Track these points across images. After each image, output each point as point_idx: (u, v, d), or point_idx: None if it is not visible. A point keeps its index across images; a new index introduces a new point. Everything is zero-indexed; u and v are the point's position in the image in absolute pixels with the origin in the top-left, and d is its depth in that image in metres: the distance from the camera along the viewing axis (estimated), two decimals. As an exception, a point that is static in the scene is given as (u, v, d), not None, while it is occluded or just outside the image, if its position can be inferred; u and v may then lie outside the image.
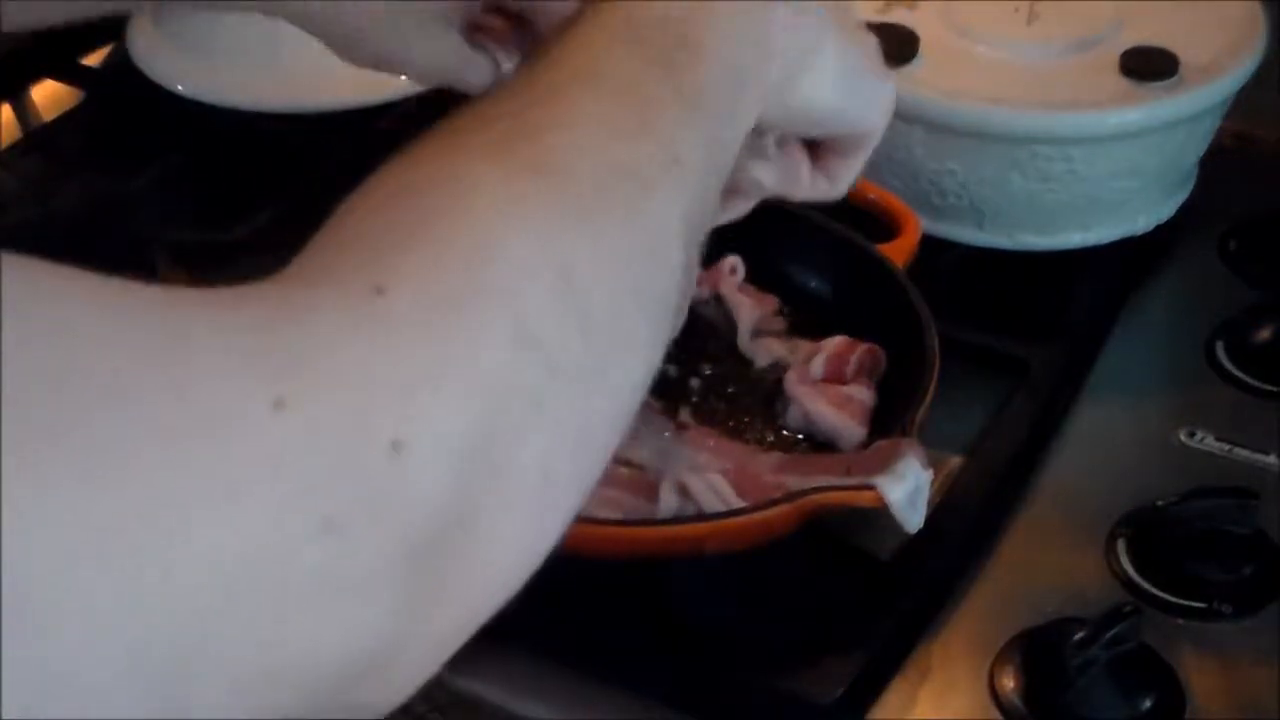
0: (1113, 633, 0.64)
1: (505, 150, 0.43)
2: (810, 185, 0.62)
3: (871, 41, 0.60)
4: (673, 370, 0.80)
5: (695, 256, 0.47)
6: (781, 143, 0.61)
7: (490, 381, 0.38)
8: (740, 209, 0.64)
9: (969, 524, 0.74)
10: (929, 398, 0.71)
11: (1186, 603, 0.70)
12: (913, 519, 0.65)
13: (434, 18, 0.67)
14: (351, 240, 0.39)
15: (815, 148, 0.62)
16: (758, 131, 0.57)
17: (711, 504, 0.70)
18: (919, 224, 0.83)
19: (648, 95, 0.47)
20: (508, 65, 0.69)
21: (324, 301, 0.37)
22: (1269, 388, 0.82)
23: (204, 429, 0.33)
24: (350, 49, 0.69)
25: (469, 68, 0.68)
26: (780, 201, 0.64)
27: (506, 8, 0.68)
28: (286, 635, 0.34)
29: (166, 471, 0.32)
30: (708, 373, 0.81)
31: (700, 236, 0.48)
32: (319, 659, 0.35)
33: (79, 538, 0.30)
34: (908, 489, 0.65)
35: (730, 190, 0.61)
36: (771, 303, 0.83)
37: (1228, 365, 0.83)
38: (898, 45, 0.86)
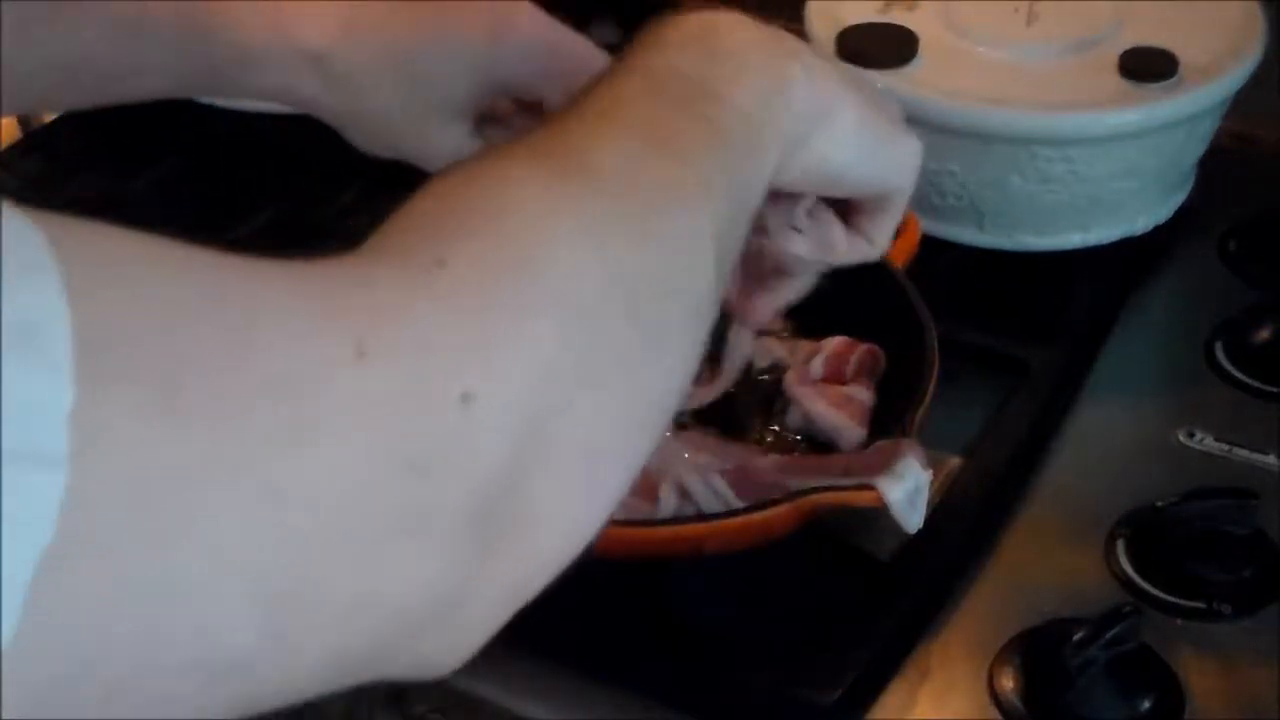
0: (1112, 633, 0.64)
1: (551, 159, 0.46)
2: (848, 248, 0.64)
3: (893, 105, 0.61)
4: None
5: (724, 281, 0.50)
6: (812, 213, 0.63)
7: (541, 346, 0.41)
8: (795, 289, 0.67)
9: (969, 524, 0.74)
10: (929, 398, 0.71)
11: (1186, 603, 0.70)
12: (912, 519, 0.65)
13: (449, 112, 0.70)
14: (410, 226, 0.43)
15: (849, 211, 0.63)
16: (788, 202, 0.60)
17: (711, 504, 0.70)
18: (919, 224, 0.83)
19: (676, 129, 0.50)
20: None
21: (389, 271, 0.40)
22: (1269, 388, 0.82)
23: (305, 378, 0.36)
24: (368, 141, 0.72)
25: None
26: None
27: (519, 96, 0.71)
28: (376, 569, 0.37)
29: (276, 416, 0.35)
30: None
31: (727, 267, 0.50)
32: (398, 597, 0.38)
33: (207, 471, 0.34)
34: (907, 489, 0.65)
35: (776, 272, 0.65)
36: (771, 303, 0.83)
37: (1227, 365, 0.83)
38: (898, 45, 0.86)
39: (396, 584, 0.38)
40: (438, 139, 0.71)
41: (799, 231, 0.63)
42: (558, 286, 0.42)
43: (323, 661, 0.39)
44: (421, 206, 0.44)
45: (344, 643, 0.38)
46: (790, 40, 0.55)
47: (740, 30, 0.53)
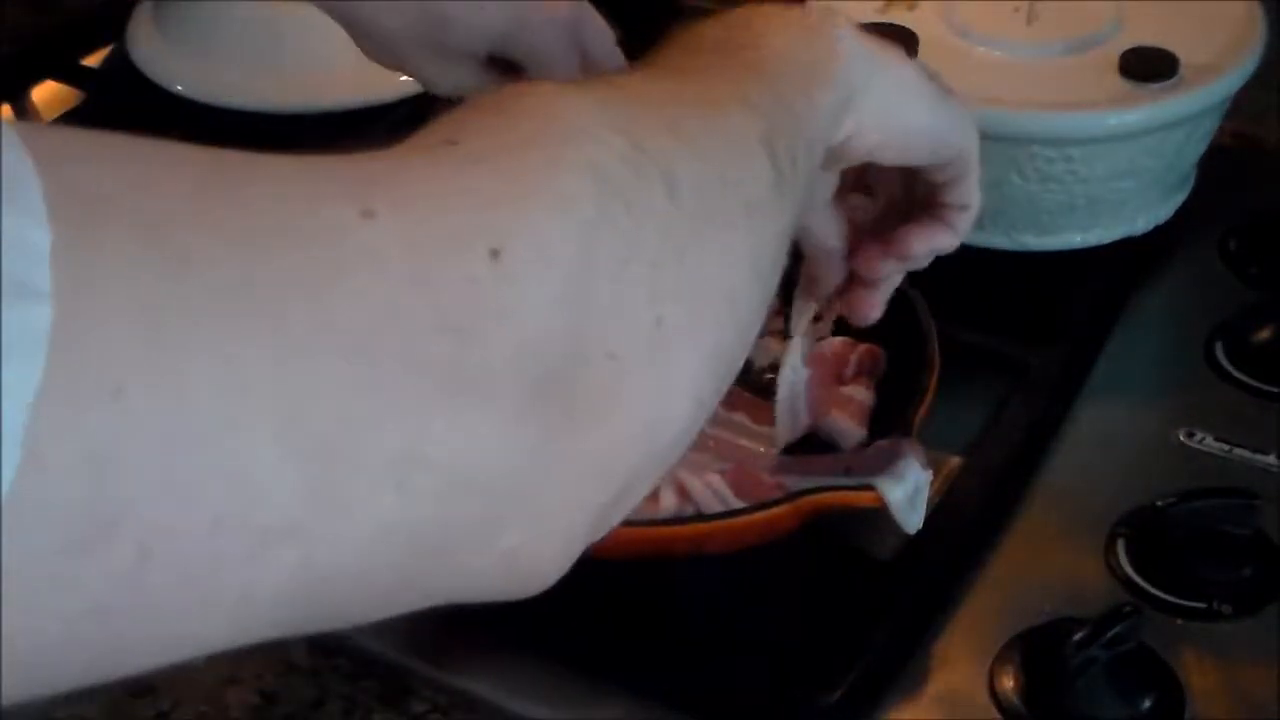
0: (1112, 633, 0.64)
1: (579, 84, 0.46)
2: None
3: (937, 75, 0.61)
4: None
5: (790, 183, 0.48)
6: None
7: (573, 204, 0.40)
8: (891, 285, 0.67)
9: (969, 524, 0.74)
10: (929, 398, 0.71)
11: (1186, 603, 0.70)
12: (912, 519, 0.65)
13: (459, 53, 0.71)
14: (427, 128, 0.42)
15: (927, 203, 0.63)
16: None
17: (711, 504, 0.70)
18: (919, 224, 0.83)
19: (710, 65, 0.50)
20: None
21: (399, 150, 0.39)
22: (1268, 388, 0.82)
23: (312, 230, 0.35)
24: (375, 53, 0.73)
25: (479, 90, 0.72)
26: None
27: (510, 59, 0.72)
28: (422, 428, 0.35)
29: (286, 260, 0.34)
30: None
31: (792, 186, 0.48)
32: (456, 463, 0.36)
33: (216, 306, 0.32)
34: (907, 489, 0.65)
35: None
36: (771, 303, 0.83)
37: (1227, 366, 0.83)
38: (897, 45, 0.86)
39: (450, 448, 0.36)
40: (444, 71, 0.72)
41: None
42: (582, 154, 0.41)
43: (385, 536, 0.36)
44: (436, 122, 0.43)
45: (405, 514, 0.36)
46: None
47: (775, 13, 0.54)
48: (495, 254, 0.37)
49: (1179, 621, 0.69)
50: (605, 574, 0.67)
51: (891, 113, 0.56)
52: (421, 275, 0.36)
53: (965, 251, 0.89)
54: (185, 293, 0.32)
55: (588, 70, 0.73)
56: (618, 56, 0.74)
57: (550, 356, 0.38)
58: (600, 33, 0.73)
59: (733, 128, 0.47)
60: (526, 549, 0.40)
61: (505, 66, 0.73)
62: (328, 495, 0.34)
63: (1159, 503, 0.74)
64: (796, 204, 0.49)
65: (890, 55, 0.57)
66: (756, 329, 0.48)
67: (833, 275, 0.66)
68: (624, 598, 0.70)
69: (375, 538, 0.36)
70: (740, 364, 0.47)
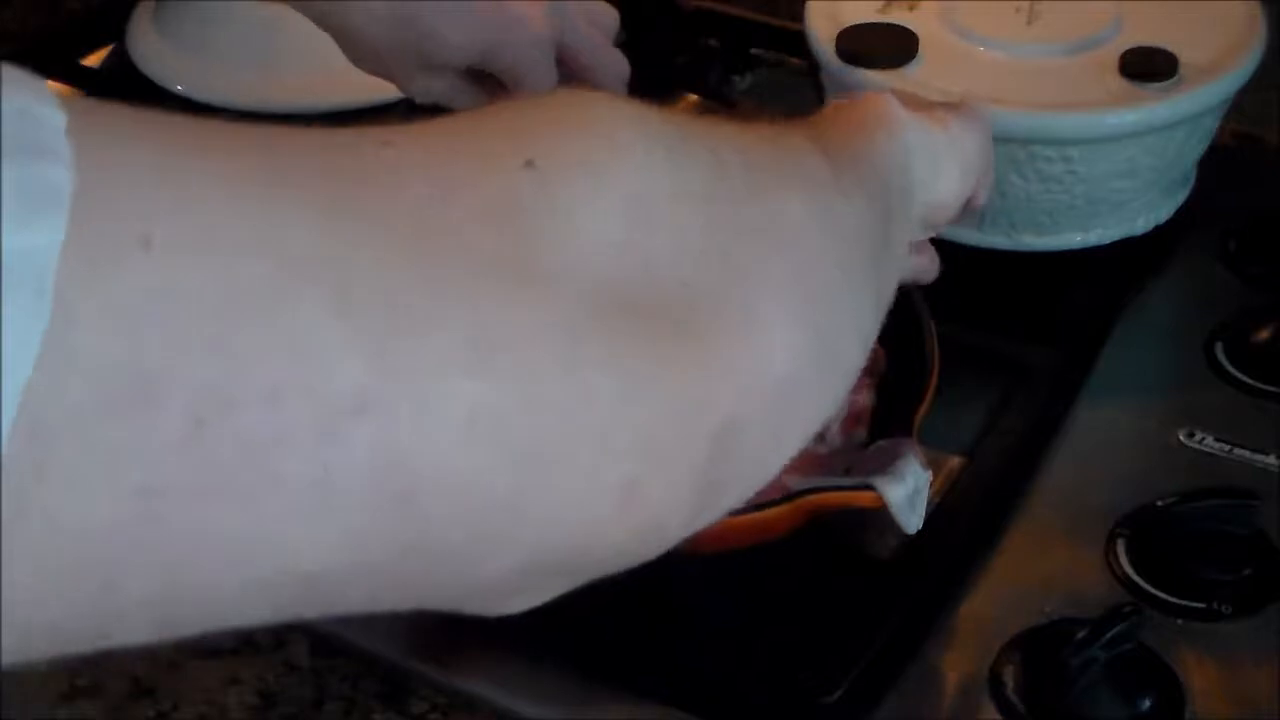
0: (1112, 633, 0.64)
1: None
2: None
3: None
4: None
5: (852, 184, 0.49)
6: None
7: (614, 137, 0.40)
8: None
9: (969, 524, 0.74)
10: (929, 398, 0.71)
11: (1186, 603, 0.70)
12: (912, 519, 0.65)
13: (437, 65, 0.72)
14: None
15: None
16: None
17: (711, 504, 0.69)
18: (919, 224, 0.83)
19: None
20: None
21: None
22: (1269, 388, 0.82)
23: (328, 145, 0.35)
24: (353, 57, 0.74)
25: (457, 98, 0.74)
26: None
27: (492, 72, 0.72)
28: (485, 311, 0.34)
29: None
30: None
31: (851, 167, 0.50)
32: (525, 354, 0.35)
33: (270, 179, 0.32)
34: (907, 489, 0.65)
35: None
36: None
37: (1227, 366, 0.83)
38: (898, 45, 0.86)
39: (516, 340, 0.35)
40: (424, 81, 0.72)
41: None
42: (627, 118, 0.41)
43: (470, 425, 0.33)
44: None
45: (485, 400, 0.34)
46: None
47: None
48: (530, 163, 0.37)
49: (1179, 621, 0.69)
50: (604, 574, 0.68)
51: (935, 203, 0.58)
52: (452, 177, 0.36)
53: (965, 251, 0.89)
54: (209, 165, 0.31)
55: (578, 74, 0.74)
56: (613, 56, 0.75)
57: (611, 267, 0.37)
58: (589, 33, 0.74)
59: (783, 137, 0.48)
60: (641, 485, 0.38)
61: (483, 78, 0.73)
62: (396, 372, 0.32)
63: (1159, 503, 0.74)
64: (869, 212, 0.50)
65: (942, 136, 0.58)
66: (854, 311, 0.47)
67: None
68: (624, 598, 0.70)
69: (459, 426, 0.33)
70: (847, 342, 0.47)
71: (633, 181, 0.39)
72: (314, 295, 0.31)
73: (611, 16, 0.77)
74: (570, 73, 0.74)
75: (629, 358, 0.37)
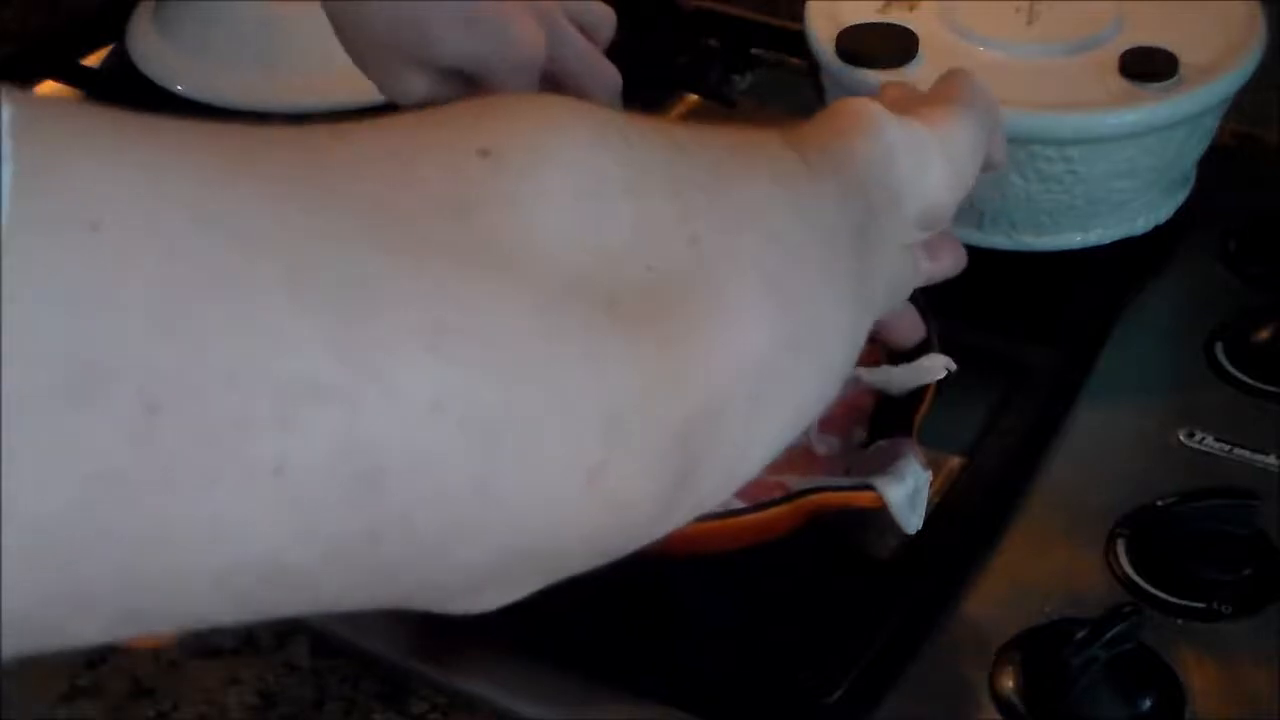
0: (1113, 633, 0.64)
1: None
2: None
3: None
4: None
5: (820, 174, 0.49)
6: None
7: (566, 126, 0.40)
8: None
9: (969, 524, 0.74)
10: (929, 398, 0.71)
11: (1186, 603, 0.70)
12: (912, 519, 0.65)
13: (419, 62, 0.72)
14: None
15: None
16: None
17: (711, 504, 0.69)
18: (919, 224, 0.83)
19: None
20: None
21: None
22: (1269, 388, 0.82)
23: (280, 138, 0.35)
24: (353, 51, 0.74)
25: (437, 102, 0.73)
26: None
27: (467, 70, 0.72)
28: (444, 296, 0.34)
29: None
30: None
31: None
32: (491, 338, 0.35)
33: (218, 160, 0.32)
34: (907, 489, 0.65)
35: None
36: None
37: (1228, 366, 0.83)
38: (898, 45, 0.86)
39: (480, 324, 0.35)
40: (406, 78, 0.72)
41: None
42: (582, 117, 0.41)
43: (435, 412, 0.33)
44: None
45: (448, 386, 0.33)
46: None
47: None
48: (484, 152, 0.37)
49: (1179, 621, 0.69)
50: (605, 574, 0.67)
51: (932, 204, 0.57)
52: (409, 165, 0.36)
53: (965, 252, 0.89)
54: (162, 156, 0.30)
55: (570, 78, 0.74)
56: (604, 66, 0.75)
57: (571, 252, 0.37)
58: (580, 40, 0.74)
59: (755, 135, 0.48)
60: (608, 468, 0.37)
61: (460, 76, 0.73)
62: (356, 354, 0.31)
63: (1159, 503, 0.74)
64: (846, 207, 0.49)
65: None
66: (832, 303, 0.47)
67: None
68: (623, 598, 0.70)
69: (423, 409, 0.33)
70: (826, 334, 0.46)
71: (589, 168, 0.39)
72: (269, 276, 0.30)
73: (608, 16, 0.77)
74: (560, 81, 0.74)
75: (594, 339, 0.37)
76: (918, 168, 0.56)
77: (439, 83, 0.73)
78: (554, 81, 0.74)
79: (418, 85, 0.73)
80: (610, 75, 0.76)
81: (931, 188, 0.56)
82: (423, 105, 0.74)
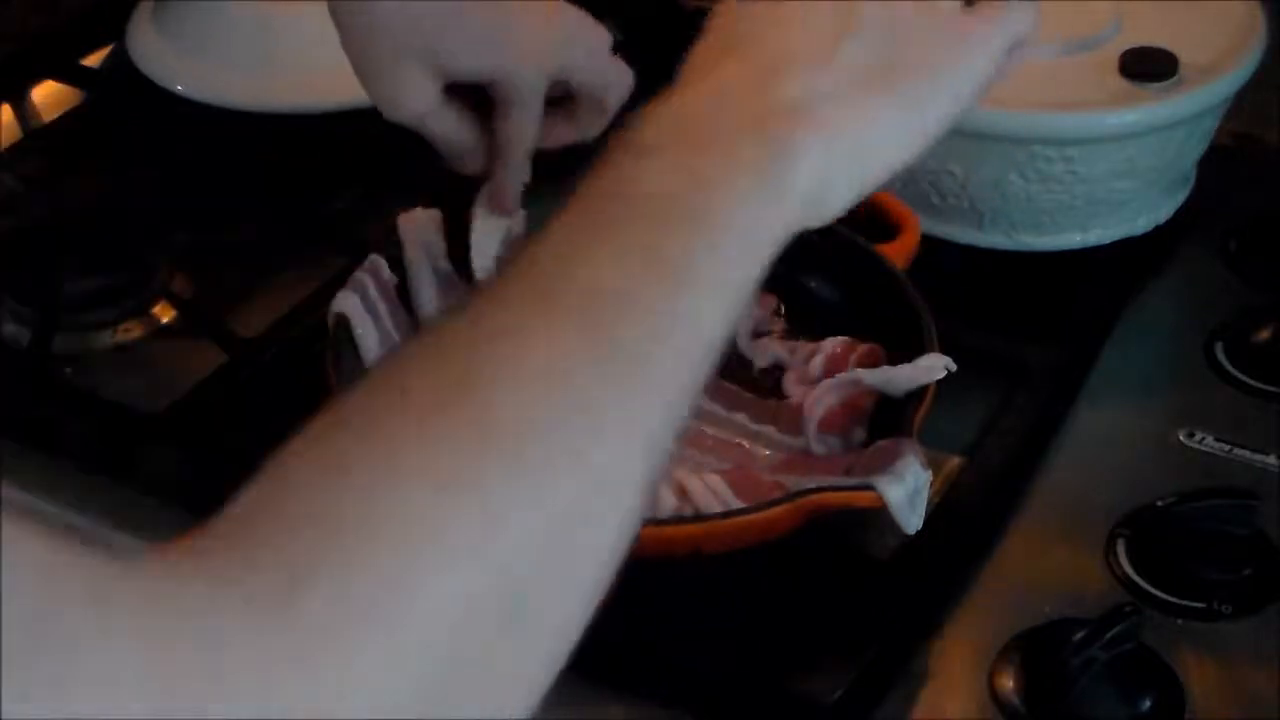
0: (1112, 633, 0.64)
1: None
2: None
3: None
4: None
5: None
6: None
7: None
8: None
9: (969, 524, 0.74)
10: (929, 398, 0.71)
11: (1186, 603, 0.70)
12: (912, 519, 0.65)
13: (425, 67, 0.70)
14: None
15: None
16: None
17: (710, 504, 0.70)
18: (919, 224, 0.83)
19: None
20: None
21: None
22: (1269, 388, 0.82)
23: None
24: (357, 53, 0.73)
25: (432, 115, 0.72)
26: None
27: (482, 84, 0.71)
28: None
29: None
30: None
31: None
32: None
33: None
34: (907, 489, 0.65)
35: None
36: (770, 302, 0.83)
37: (1228, 366, 0.83)
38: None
39: None
40: (409, 88, 0.71)
41: None
42: None
43: None
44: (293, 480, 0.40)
45: None
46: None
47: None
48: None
49: (1179, 621, 0.69)
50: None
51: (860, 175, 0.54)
52: None
53: (965, 251, 0.89)
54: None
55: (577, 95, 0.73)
56: (611, 77, 0.74)
57: None
58: (591, 56, 0.73)
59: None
60: None
61: (463, 88, 0.73)
62: None
63: (1159, 503, 0.74)
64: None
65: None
66: None
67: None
68: (624, 597, 0.70)
69: None
70: None
71: None
72: None
73: (625, 76, 0.75)
74: (569, 83, 0.73)
75: None
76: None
77: (439, 97, 0.71)
78: (564, 84, 0.73)
79: (422, 95, 0.71)
80: (621, 74, 0.74)
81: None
82: (416, 120, 0.73)
